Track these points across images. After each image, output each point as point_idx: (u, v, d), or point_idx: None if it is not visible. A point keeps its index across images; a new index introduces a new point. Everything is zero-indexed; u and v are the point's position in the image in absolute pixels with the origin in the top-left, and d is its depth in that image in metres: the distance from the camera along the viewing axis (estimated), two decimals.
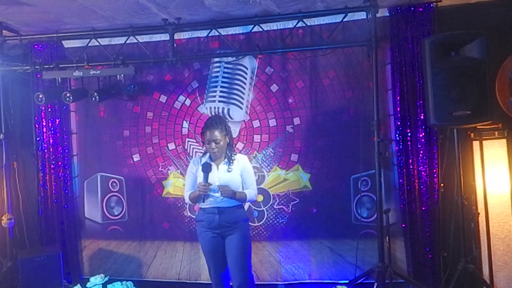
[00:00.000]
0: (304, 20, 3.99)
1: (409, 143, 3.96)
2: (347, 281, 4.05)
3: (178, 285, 4.43)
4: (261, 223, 4.31)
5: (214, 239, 3.28)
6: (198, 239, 3.41)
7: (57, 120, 4.61)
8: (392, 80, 4.01)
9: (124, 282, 4.27)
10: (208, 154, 3.36)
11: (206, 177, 3.17)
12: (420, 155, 3.92)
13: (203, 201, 3.22)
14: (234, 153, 3.37)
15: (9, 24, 4.27)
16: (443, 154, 3.84)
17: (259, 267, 4.24)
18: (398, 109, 3.96)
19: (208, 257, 3.35)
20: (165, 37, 4.28)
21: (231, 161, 3.30)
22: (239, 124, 4.32)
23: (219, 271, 3.34)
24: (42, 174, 4.60)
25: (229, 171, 3.27)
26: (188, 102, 4.45)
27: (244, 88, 4.32)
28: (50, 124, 4.60)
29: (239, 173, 3.31)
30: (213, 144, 3.23)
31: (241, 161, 3.35)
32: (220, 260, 3.31)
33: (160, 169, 4.52)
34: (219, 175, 3.26)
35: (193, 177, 3.38)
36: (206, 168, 3.20)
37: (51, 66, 4.36)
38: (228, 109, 4.32)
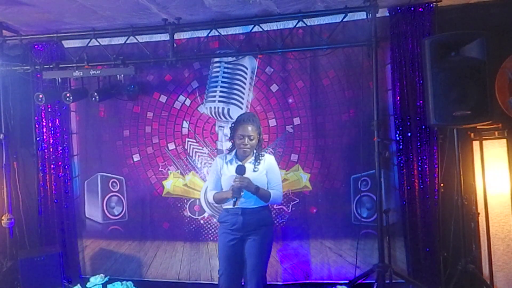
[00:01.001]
0: (304, 20, 3.99)
1: (409, 143, 3.95)
2: (347, 281, 4.05)
3: (178, 285, 4.43)
4: None
5: (234, 245, 3.14)
6: (218, 239, 3.29)
7: (57, 120, 4.61)
8: (392, 80, 4.01)
9: (124, 282, 4.26)
10: (233, 152, 3.26)
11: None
12: (420, 155, 3.91)
13: (234, 204, 3.04)
14: (262, 153, 3.26)
15: (9, 24, 4.27)
16: (443, 154, 3.84)
17: None
18: (398, 109, 3.96)
19: (223, 261, 3.20)
20: (165, 37, 4.27)
21: (258, 161, 3.19)
22: None
23: (231, 276, 3.17)
24: (42, 174, 4.60)
25: (255, 171, 3.15)
26: (188, 102, 4.44)
27: (244, 88, 4.32)
28: (50, 124, 4.60)
29: (265, 173, 3.19)
30: (247, 139, 3.12)
31: (268, 160, 3.24)
32: (235, 266, 3.16)
33: (160, 169, 4.52)
34: (245, 174, 3.11)
35: (216, 175, 3.25)
36: (241, 170, 3.04)
37: (51, 66, 4.36)
38: (228, 109, 4.32)
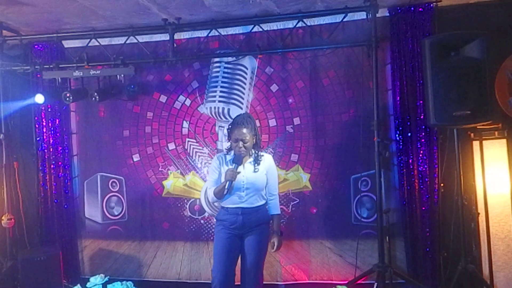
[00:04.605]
0: (304, 20, 3.99)
1: (409, 143, 3.96)
2: (347, 282, 4.04)
3: (178, 285, 4.43)
4: None
5: (231, 239, 3.20)
6: (215, 235, 3.31)
7: (57, 120, 4.61)
8: (392, 80, 4.01)
9: (124, 282, 4.26)
10: (232, 152, 3.28)
11: (236, 168, 3.11)
12: (420, 155, 3.91)
13: (227, 192, 3.11)
14: (262, 154, 3.30)
15: (9, 24, 4.27)
16: (443, 154, 3.84)
17: None
18: (398, 109, 3.97)
19: (219, 254, 3.20)
20: (165, 37, 4.27)
21: (257, 161, 3.23)
22: None
23: (226, 269, 3.19)
24: (42, 174, 4.60)
25: (255, 171, 3.21)
26: (188, 102, 4.45)
27: (244, 88, 4.32)
28: (50, 124, 4.60)
29: (265, 173, 3.25)
30: (241, 143, 3.13)
31: (267, 160, 3.29)
32: (231, 259, 3.21)
33: (160, 169, 4.52)
34: (246, 174, 3.19)
35: (218, 173, 3.27)
36: (238, 160, 3.13)
37: (51, 66, 4.36)
38: (228, 109, 4.32)
